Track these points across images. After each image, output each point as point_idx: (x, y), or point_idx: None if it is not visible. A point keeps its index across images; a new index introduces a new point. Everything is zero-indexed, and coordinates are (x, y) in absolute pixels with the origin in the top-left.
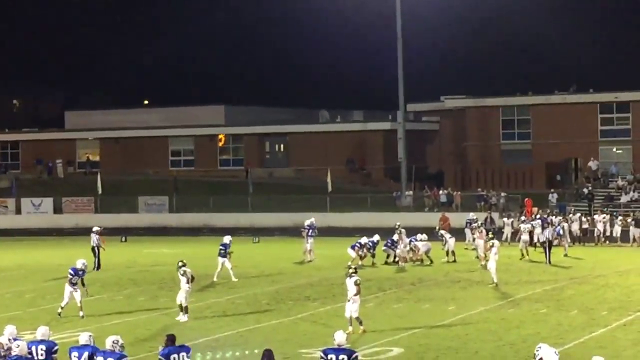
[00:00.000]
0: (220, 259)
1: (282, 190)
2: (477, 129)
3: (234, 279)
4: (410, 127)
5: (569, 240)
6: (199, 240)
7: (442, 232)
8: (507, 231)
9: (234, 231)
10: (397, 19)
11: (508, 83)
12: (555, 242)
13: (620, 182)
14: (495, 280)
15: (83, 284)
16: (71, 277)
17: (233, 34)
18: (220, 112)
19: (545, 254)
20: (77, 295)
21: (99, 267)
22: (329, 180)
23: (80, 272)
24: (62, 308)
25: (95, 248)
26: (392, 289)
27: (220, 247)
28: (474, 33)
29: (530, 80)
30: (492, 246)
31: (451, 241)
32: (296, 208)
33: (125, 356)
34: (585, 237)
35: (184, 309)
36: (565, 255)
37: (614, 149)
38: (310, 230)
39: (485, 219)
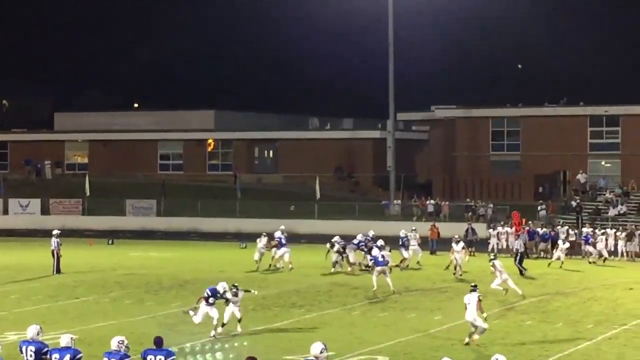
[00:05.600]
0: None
1: (270, 197)
2: (467, 140)
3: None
4: (400, 136)
5: (563, 253)
6: (186, 245)
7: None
8: (493, 242)
9: (221, 236)
10: (389, 27)
11: (498, 94)
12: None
13: (608, 196)
14: (519, 292)
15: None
16: None
17: (225, 39)
18: (210, 117)
19: (517, 263)
20: None
21: (58, 270)
22: (317, 187)
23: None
24: None
25: (54, 251)
26: (378, 297)
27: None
28: (465, 43)
29: (520, 92)
30: (492, 265)
31: (412, 252)
32: (284, 214)
33: (128, 356)
34: (572, 249)
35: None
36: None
37: (603, 163)
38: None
39: (467, 230)
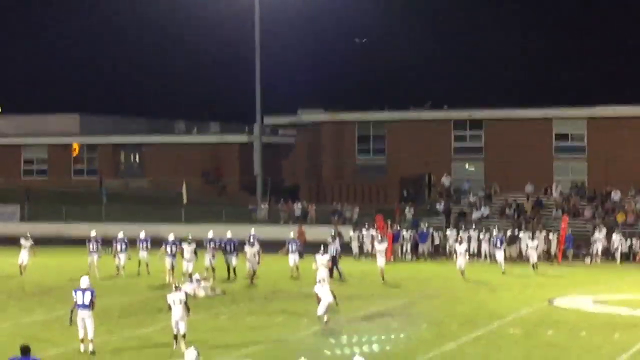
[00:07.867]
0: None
1: (136, 201)
2: (333, 144)
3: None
4: (267, 141)
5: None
6: (51, 251)
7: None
8: (355, 245)
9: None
10: (255, 31)
11: (364, 98)
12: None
13: (471, 199)
14: None
15: None
16: None
17: (89, 41)
18: (75, 121)
19: (333, 269)
20: None
21: None
22: (184, 191)
23: None
24: None
25: None
26: (245, 302)
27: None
28: (331, 47)
29: (386, 96)
30: None
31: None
32: (151, 219)
33: None
34: (438, 252)
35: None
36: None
37: (467, 166)
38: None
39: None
